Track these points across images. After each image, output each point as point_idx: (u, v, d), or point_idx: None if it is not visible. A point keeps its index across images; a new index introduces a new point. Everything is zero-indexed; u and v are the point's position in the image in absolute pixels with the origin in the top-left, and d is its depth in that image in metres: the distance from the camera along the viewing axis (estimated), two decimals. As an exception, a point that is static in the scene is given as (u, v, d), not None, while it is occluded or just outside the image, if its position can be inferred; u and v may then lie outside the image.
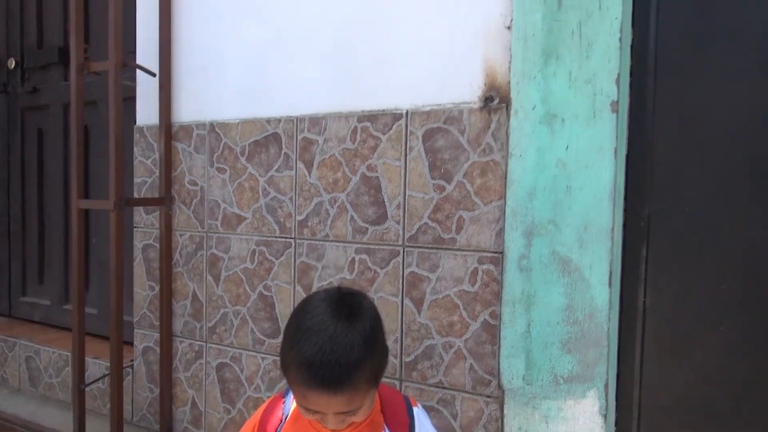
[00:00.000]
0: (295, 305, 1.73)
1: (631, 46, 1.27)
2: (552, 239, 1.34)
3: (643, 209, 1.36)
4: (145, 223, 2.04)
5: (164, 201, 1.92)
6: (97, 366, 2.17)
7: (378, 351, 0.95)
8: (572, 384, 1.33)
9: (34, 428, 2.03)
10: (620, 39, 1.18)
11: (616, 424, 1.41)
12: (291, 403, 1.05)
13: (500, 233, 1.42)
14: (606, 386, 1.31)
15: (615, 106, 1.22)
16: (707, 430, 1.39)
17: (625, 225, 1.36)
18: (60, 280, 2.63)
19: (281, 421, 1.03)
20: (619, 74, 1.22)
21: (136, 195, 2.04)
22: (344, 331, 0.90)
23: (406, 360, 1.58)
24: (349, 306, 0.95)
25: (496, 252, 1.43)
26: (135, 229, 2.06)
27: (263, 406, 1.08)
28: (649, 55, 1.30)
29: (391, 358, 1.58)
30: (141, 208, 2.03)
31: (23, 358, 2.46)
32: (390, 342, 1.58)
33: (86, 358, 1.96)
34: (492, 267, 1.44)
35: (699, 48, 1.31)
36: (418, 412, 1.04)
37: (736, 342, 1.38)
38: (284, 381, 1.75)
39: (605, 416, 1.31)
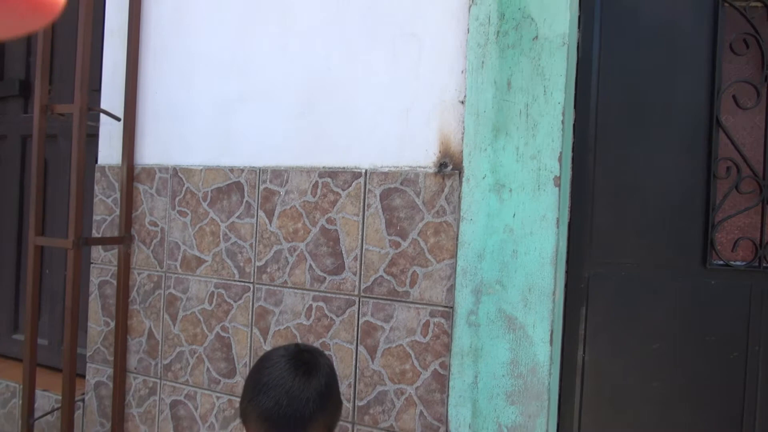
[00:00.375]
0: (252, 347, 1.77)
1: (574, 126, 1.39)
2: (499, 298, 1.43)
3: (583, 273, 1.47)
4: (103, 260, 2.05)
5: (123, 240, 1.93)
6: (46, 398, 2.15)
7: (332, 405, 1.02)
8: (514, 435, 1.42)
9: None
10: (563, 121, 1.28)
11: (554, 470, 1.51)
12: None
13: (451, 290, 1.51)
14: (545, 438, 1.40)
15: (557, 180, 1.33)
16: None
17: (566, 287, 1.47)
18: (9, 309, 2.59)
19: None
20: (561, 152, 1.32)
21: (94, 232, 2.04)
22: (301, 386, 0.97)
23: (359, 404, 1.64)
24: (306, 363, 1.01)
25: (447, 307, 1.52)
26: (92, 266, 2.07)
27: None
28: (590, 135, 1.42)
29: (344, 402, 1.65)
30: (99, 245, 2.04)
31: (-33, 389, 2.41)
32: (344, 387, 1.65)
33: (35, 390, 1.94)
34: (443, 320, 1.53)
35: (633, 127, 1.44)
36: None
37: (668, 397, 1.50)
38: (238, 420, 1.79)
39: (543, 466, 1.40)
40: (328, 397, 1.01)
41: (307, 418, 0.95)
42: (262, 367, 1.02)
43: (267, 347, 1.76)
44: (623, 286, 1.47)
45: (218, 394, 1.85)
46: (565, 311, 1.48)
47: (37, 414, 1.96)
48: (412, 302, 1.56)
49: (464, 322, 1.47)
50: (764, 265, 1.42)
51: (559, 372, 1.49)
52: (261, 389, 0.98)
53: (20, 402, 2.18)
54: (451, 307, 1.51)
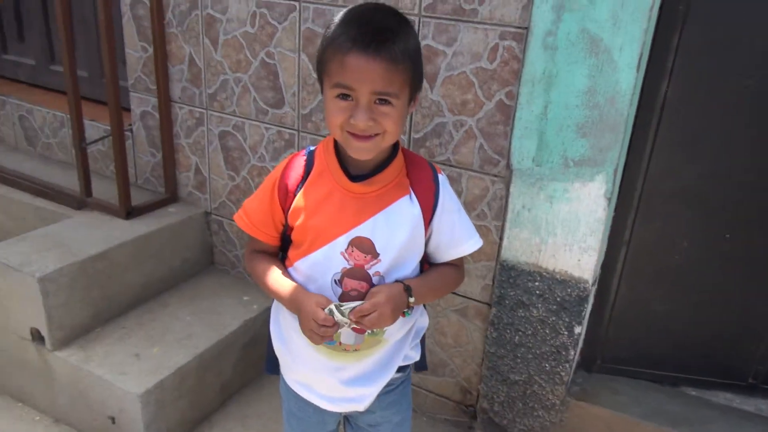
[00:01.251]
0: (300, 75, 1.66)
1: None
2: (584, 15, 1.24)
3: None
4: (131, -24, 1.85)
5: (151, -50, 1.71)
6: (94, 128, 2.14)
7: (418, 68, 0.93)
8: (582, 167, 1.34)
9: (38, 183, 2.07)
10: None
11: (616, 208, 1.46)
12: (313, 160, 1.02)
13: (527, 6, 1.30)
14: (615, 171, 1.32)
15: None
16: (703, 219, 1.45)
17: (661, 7, 1.25)
18: (42, 39, 2.47)
19: (302, 177, 1.01)
20: None
21: (117, -59, 1.81)
22: (394, 27, 0.88)
23: (415, 136, 1.56)
24: (398, 15, 0.92)
25: (520, 27, 1.33)
26: (121, -17, 1.88)
27: (282, 164, 1.04)
28: None
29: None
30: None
31: (16, 117, 2.42)
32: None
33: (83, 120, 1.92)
34: (514, 43, 1.35)
35: None
36: (443, 179, 1.04)
37: (745, 144, 1.37)
38: (289, 151, 1.75)
39: (609, 199, 1.34)
40: (417, 55, 0.92)
41: (395, 30, 0.87)
42: (348, 11, 0.91)
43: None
44: (725, 16, 1.25)
45: (267, 125, 1.79)
46: (656, 36, 1.28)
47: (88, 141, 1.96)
48: (480, 22, 1.37)
49: (540, 44, 1.30)
50: None
51: (637, 105, 1.35)
52: (350, 23, 0.87)
53: (70, 131, 2.18)
54: (526, 28, 1.32)
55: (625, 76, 1.24)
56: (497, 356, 1.60)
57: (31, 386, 1.72)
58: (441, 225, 1.03)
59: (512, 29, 1.34)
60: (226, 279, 2.06)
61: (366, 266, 0.98)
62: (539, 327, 1.53)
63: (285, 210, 1.01)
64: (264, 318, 1.84)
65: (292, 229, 1.02)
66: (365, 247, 0.97)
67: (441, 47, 1.44)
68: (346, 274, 0.98)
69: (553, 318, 1.50)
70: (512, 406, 1.63)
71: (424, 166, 1.03)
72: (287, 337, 1.09)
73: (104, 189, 2.03)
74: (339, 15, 0.91)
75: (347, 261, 0.98)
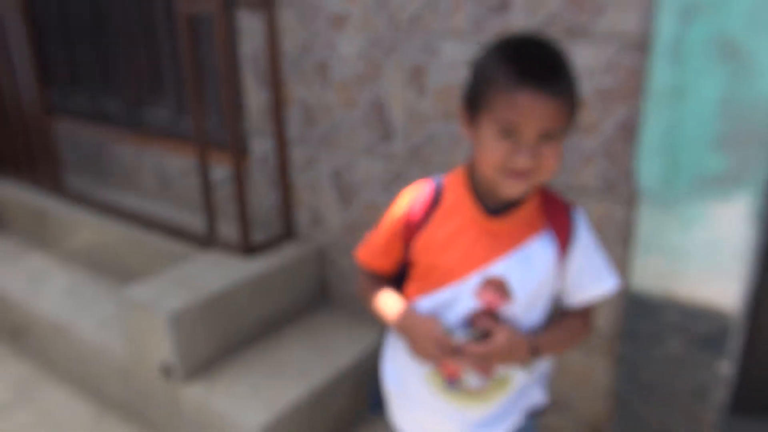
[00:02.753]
0: (406, 107, 1.65)
1: None
2: (715, 20, 1.14)
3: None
4: (250, 28, 1.96)
5: (268, 2, 1.81)
6: (219, 172, 2.26)
7: (578, 97, 0.87)
8: (720, 186, 1.21)
9: (171, 226, 2.21)
10: None
11: (766, 229, 1.31)
12: (441, 192, 0.95)
13: (648, 15, 1.22)
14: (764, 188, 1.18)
15: None
16: None
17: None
18: (174, 92, 2.69)
19: (428, 209, 0.95)
20: None
21: (236, -3, 1.94)
22: (550, 46, 0.84)
23: (528, 162, 1.50)
24: (551, 47, 0.86)
25: (641, 38, 1.25)
26: (240, 35, 2.00)
27: (406, 195, 0.98)
28: None
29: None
30: (244, 13, 1.94)
31: (151, 166, 2.63)
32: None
33: (209, 166, 2.04)
34: (634, 56, 1.27)
35: None
36: (580, 215, 0.96)
37: None
38: (397, 185, 1.75)
39: (758, 219, 1.20)
40: (577, 86, 0.86)
41: (564, 66, 0.83)
42: (505, 44, 0.86)
43: (425, 107, 1.64)
44: None
45: (376, 160, 1.81)
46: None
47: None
48: (594, 37, 1.31)
49: (665, 54, 1.21)
50: None
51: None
52: (513, 57, 0.82)
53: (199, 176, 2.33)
54: (647, 38, 1.24)
55: (766, 82, 1.12)
56: (628, 396, 1.46)
57: (160, 416, 1.80)
58: (573, 264, 0.95)
59: (632, 41, 1.26)
60: (339, 314, 2.06)
61: (497, 307, 0.93)
62: (677, 365, 1.38)
63: (407, 242, 0.97)
64: (376, 355, 1.83)
65: (413, 262, 0.99)
66: (498, 287, 0.92)
67: (554, 68, 1.38)
68: (476, 315, 0.93)
69: (694, 354, 1.35)
70: (649, 453, 1.47)
71: (560, 201, 0.96)
72: (403, 379, 1.05)
73: (227, 229, 2.14)
74: (493, 48, 0.86)
75: (477, 301, 0.93)
